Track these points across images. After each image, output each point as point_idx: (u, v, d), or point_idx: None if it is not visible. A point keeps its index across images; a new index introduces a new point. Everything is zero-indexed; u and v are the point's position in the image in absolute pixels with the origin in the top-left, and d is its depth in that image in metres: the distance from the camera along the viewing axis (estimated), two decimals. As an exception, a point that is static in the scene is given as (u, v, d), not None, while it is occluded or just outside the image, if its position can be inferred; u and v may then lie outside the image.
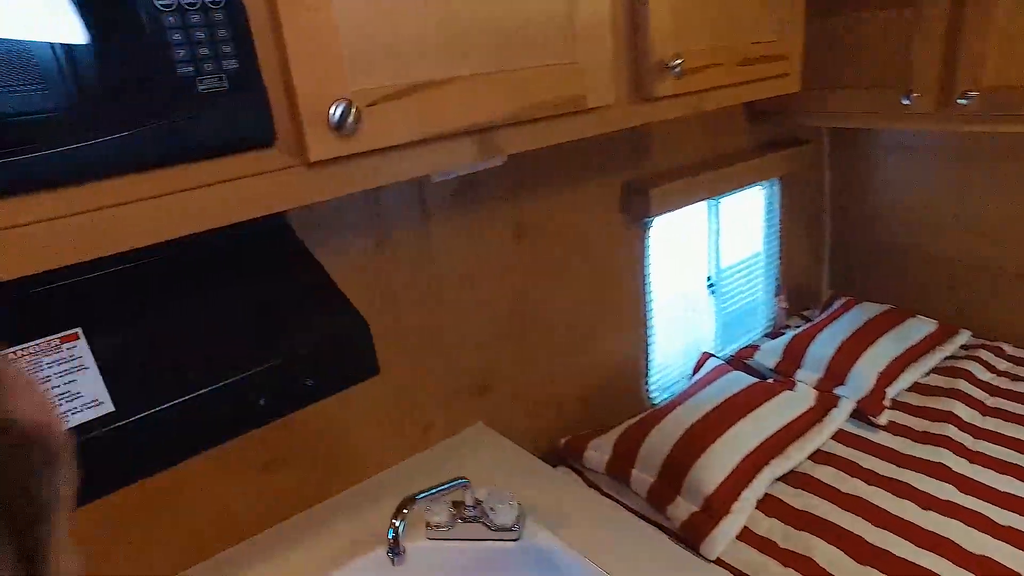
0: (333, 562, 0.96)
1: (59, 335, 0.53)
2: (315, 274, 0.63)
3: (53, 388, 0.49)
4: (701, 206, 1.70)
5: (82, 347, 0.52)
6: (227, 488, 1.03)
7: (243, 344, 0.54)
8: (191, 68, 0.54)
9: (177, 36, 0.52)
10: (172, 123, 0.54)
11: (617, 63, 0.89)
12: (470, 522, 1.02)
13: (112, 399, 0.49)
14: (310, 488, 1.13)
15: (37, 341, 0.52)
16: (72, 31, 0.48)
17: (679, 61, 0.92)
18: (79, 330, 0.54)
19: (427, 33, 0.67)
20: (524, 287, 1.32)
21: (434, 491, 0.97)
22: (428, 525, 1.02)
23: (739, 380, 1.52)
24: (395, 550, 0.89)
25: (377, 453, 1.19)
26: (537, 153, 1.26)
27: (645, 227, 1.52)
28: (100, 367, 0.51)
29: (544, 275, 1.34)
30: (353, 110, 0.61)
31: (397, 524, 0.90)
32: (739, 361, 1.74)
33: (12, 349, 0.51)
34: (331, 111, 0.60)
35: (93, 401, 0.48)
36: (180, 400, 0.50)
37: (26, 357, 0.51)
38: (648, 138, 1.49)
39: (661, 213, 1.47)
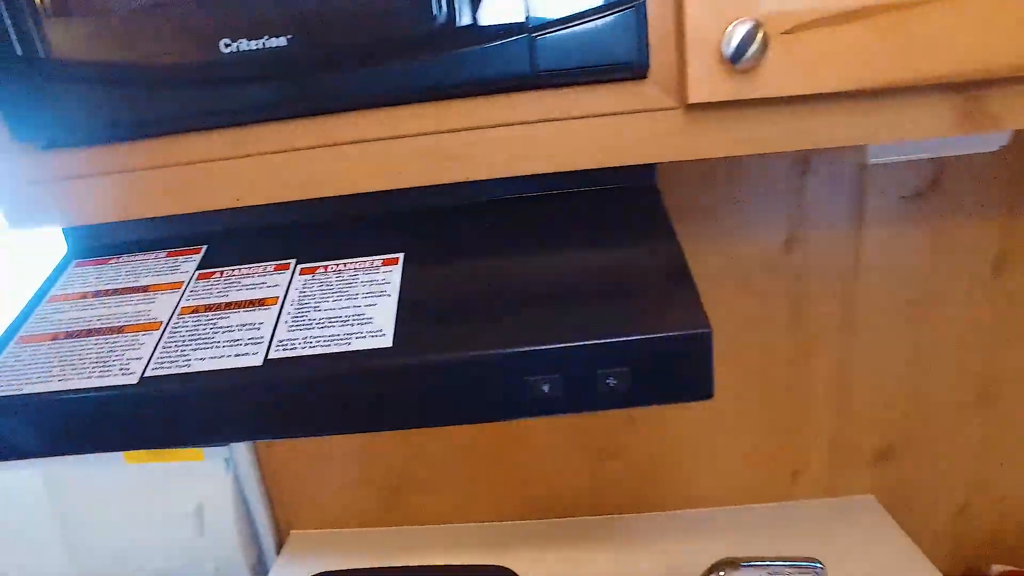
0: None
1: (383, 256, 0.51)
2: (668, 255, 0.48)
3: (354, 307, 0.46)
4: None
5: (395, 274, 0.49)
6: (563, 462, 1.00)
7: (546, 315, 0.44)
8: (561, -30, 0.44)
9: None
10: (531, 39, 0.45)
11: None
12: (812, 621, 0.77)
13: (394, 334, 0.44)
14: (640, 493, 1.01)
15: (364, 258, 0.51)
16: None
17: None
18: (401, 256, 0.51)
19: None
20: (989, 338, 0.92)
21: (772, 563, 0.74)
22: (755, 597, 0.80)
23: None
24: (697, 615, 0.71)
25: (726, 482, 1.00)
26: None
27: None
28: (399, 299, 0.47)
29: (1024, 328, 0.92)
30: (760, 35, 0.43)
31: (708, 585, 0.71)
32: None
33: (341, 260, 0.51)
34: (727, 34, 0.44)
35: (379, 331, 0.44)
36: (452, 358, 0.42)
37: (349, 270, 0.50)
38: None
39: None
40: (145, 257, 0.56)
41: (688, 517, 0.99)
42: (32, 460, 1.00)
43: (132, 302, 0.51)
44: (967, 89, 0.48)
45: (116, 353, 0.47)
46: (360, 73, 0.47)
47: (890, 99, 0.48)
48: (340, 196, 0.52)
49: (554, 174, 0.53)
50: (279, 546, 1.05)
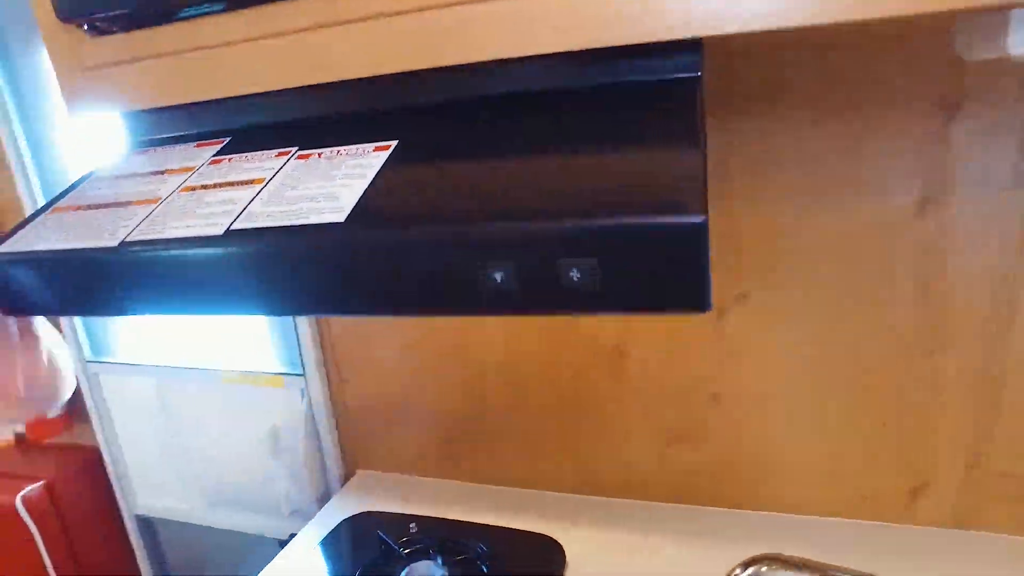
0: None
1: (376, 144, 0.47)
2: (680, 154, 0.39)
3: (328, 187, 0.43)
4: None
5: (380, 159, 0.45)
6: (634, 439, 0.91)
7: (512, 202, 0.38)
8: None
9: None
10: None
11: None
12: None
13: (350, 212, 0.40)
14: (717, 486, 0.89)
15: (358, 145, 0.48)
16: None
17: None
18: (394, 143, 0.47)
19: None
20: None
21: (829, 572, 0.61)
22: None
23: None
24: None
25: (822, 488, 0.84)
26: None
27: None
28: (372, 181, 0.43)
29: None
30: None
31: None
32: None
33: (336, 148, 0.48)
34: None
35: (338, 208, 0.41)
36: (395, 236, 0.37)
37: (341, 156, 0.47)
38: None
39: None
40: (178, 147, 0.57)
41: (769, 521, 0.85)
42: (145, 370, 1.11)
43: (149, 183, 0.52)
44: None
45: (114, 222, 0.48)
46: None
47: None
48: (364, 88, 0.49)
49: (579, 62, 0.46)
50: (344, 481, 1.07)
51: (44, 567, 1.18)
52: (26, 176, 1.11)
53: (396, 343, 0.99)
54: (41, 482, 1.17)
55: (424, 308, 0.39)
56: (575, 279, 0.35)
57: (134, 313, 0.47)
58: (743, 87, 0.73)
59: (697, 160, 0.36)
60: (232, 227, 0.42)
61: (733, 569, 0.62)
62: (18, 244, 0.49)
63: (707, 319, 0.84)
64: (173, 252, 0.43)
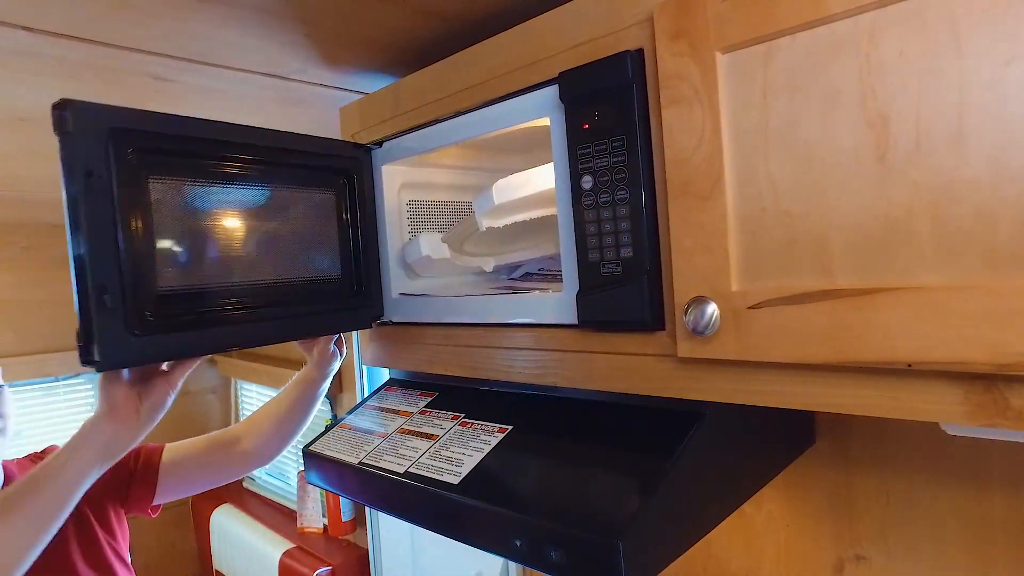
0: None
1: (500, 425, 0.75)
2: (654, 466, 0.59)
3: (456, 449, 0.72)
4: None
5: (496, 439, 0.73)
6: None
7: (540, 488, 0.62)
8: (597, 254, 0.63)
9: (592, 228, 0.63)
10: (585, 296, 0.65)
11: None
12: None
13: (463, 477, 0.68)
14: None
15: (489, 423, 0.76)
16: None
17: None
18: (510, 427, 0.74)
19: (867, 225, 0.48)
20: None
21: None
22: None
23: None
24: None
25: None
26: None
27: None
28: (486, 454, 0.70)
29: None
30: (710, 311, 0.54)
31: None
32: None
33: (473, 420, 0.77)
34: (687, 309, 0.56)
35: (458, 472, 0.69)
36: (480, 503, 0.64)
37: (474, 428, 0.76)
38: None
39: None
40: (409, 392, 0.93)
41: None
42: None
43: (385, 418, 0.88)
44: (971, 379, 0.46)
45: (359, 445, 0.83)
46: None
47: (866, 378, 0.50)
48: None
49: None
50: (522, 632, 1.29)
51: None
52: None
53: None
54: (330, 567, 1.64)
55: (482, 546, 0.64)
56: (551, 556, 0.57)
57: (365, 504, 0.81)
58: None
59: (652, 490, 0.56)
60: (408, 469, 0.74)
61: None
62: (319, 446, 0.88)
63: (827, 573, 0.89)
64: (380, 475, 0.76)
